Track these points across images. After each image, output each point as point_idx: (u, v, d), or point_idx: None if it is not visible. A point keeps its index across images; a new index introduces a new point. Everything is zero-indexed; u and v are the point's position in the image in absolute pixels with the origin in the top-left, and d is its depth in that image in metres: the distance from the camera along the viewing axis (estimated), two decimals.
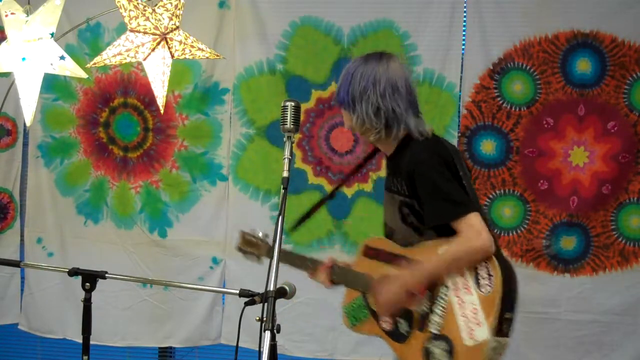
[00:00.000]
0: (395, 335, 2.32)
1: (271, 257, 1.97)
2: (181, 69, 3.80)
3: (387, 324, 2.34)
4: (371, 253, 2.43)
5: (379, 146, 2.46)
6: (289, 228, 2.73)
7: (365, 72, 2.32)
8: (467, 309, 2.16)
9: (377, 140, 2.38)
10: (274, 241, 1.99)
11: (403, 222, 2.35)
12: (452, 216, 2.18)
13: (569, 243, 3.59)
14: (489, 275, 2.15)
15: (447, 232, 2.21)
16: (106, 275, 2.54)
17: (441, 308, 2.21)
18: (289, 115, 2.14)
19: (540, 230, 3.60)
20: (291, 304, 3.50)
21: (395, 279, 2.27)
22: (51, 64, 3.38)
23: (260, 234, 2.73)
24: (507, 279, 2.16)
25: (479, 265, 2.17)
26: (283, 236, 1.98)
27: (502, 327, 2.15)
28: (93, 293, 2.49)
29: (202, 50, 3.44)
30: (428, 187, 2.22)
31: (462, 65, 3.66)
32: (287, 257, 2.56)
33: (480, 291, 2.15)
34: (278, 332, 1.96)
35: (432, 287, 2.24)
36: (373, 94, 2.29)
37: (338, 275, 2.47)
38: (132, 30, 3.37)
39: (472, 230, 2.15)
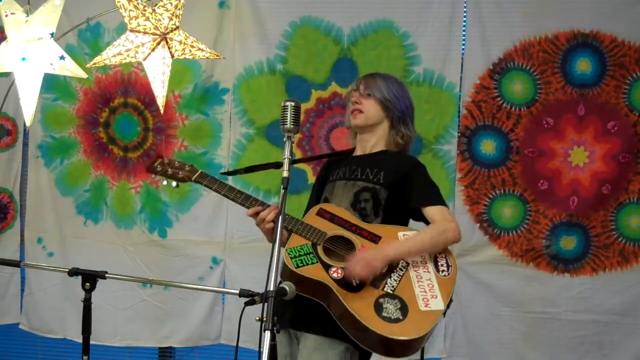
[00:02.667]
0: (344, 285, 2.37)
1: (271, 257, 1.97)
2: (181, 69, 3.80)
3: (337, 273, 2.39)
4: (327, 215, 2.52)
5: (366, 145, 2.68)
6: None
7: (408, 93, 2.72)
8: (424, 283, 2.41)
9: (382, 143, 2.66)
10: (274, 241, 1.99)
11: (352, 206, 2.54)
12: (436, 201, 2.54)
13: (569, 243, 3.59)
14: (448, 265, 2.46)
15: (391, 224, 2.52)
16: (106, 275, 2.53)
17: (398, 275, 2.41)
18: (289, 115, 2.16)
19: (540, 230, 3.60)
20: None
21: (378, 249, 2.41)
22: (51, 64, 3.38)
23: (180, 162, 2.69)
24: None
25: (439, 255, 2.48)
26: None
27: (446, 309, 2.39)
28: (93, 293, 2.49)
29: (202, 50, 3.44)
30: (425, 180, 2.60)
31: (462, 65, 3.66)
32: (231, 191, 2.56)
33: (439, 273, 2.44)
34: (278, 332, 1.95)
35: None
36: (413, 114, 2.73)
37: (288, 221, 2.48)
38: (132, 30, 3.37)
39: (448, 216, 2.53)
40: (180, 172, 2.63)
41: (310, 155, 3.78)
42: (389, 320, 2.32)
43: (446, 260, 2.47)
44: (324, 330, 2.40)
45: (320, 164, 3.75)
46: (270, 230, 2.49)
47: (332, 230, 2.46)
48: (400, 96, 2.65)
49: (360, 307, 2.33)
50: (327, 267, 2.39)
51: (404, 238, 2.46)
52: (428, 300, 2.35)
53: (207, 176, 2.61)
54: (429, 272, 2.43)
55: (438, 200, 2.55)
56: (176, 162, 2.66)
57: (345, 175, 2.61)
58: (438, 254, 2.47)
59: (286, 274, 2.42)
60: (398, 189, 2.54)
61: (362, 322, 2.31)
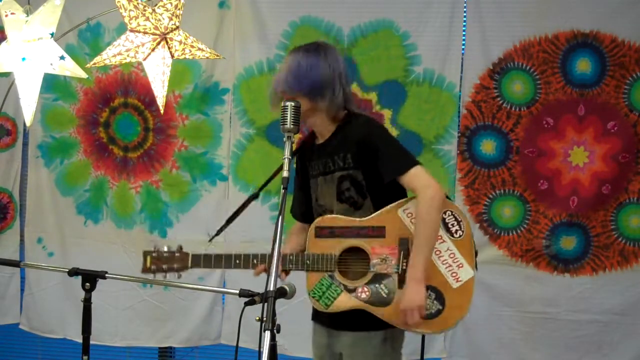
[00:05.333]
0: (378, 302, 2.38)
1: (271, 257, 1.97)
2: (181, 69, 3.80)
3: (365, 293, 2.40)
4: (325, 232, 2.47)
5: (320, 130, 2.56)
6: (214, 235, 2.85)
7: (328, 57, 2.49)
8: (446, 256, 2.39)
9: (328, 122, 2.52)
10: (274, 241, 1.99)
11: (339, 200, 2.48)
12: (405, 166, 2.39)
13: (569, 243, 3.59)
14: (458, 221, 2.41)
15: (384, 202, 2.43)
16: (106, 275, 2.54)
17: None
18: (288, 115, 2.18)
19: (540, 230, 3.60)
20: (291, 304, 3.49)
21: (410, 284, 2.35)
22: (51, 64, 3.38)
23: (166, 248, 2.61)
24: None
25: (444, 214, 2.40)
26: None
27: (475, 262, 2.40)
28: (93, 293, 2.49)
29: (202, 50, 3.44)
30: (386, 143, 2.44)
31: (462, 65, 3.66)
32: (229, 260, 2.51)
33: (453, 237, 2.40)
34: (278, 332, 1.95)
35: (404, 246, 2.39)
36: (338, 80, 2.47)
37: (295, 263, 2.47)
38: (132, 30, 3.37)
39: (424, 179, 2.38)
40: (175, 264, 2.57)
41: None
42: (432, 316, 2.36)
43: (453, 216, 2.41)
44: (359, 325, 2.42)
45: None
46: (284, 276, 2.51)
47: (338, 246, 2.44)
48: (305, 75, 2.44)
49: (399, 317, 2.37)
50: (352, 291, 2.41)
51: (406, 215, 2.41)
52: (457, 274, 2.37)
53: (200, 258, 2.56)
54: (444, 241, 2.40)
55: (407, 164, 2.40)
56: (164, 253, 2.59)
57: (321, 170, 2.55)
58: (444, 213, 2.41)
59: (320, 314, 2.50)
60: (368, 163, 2.43)
61: (412, 331, 2.40)
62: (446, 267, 2.38)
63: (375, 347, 2.42)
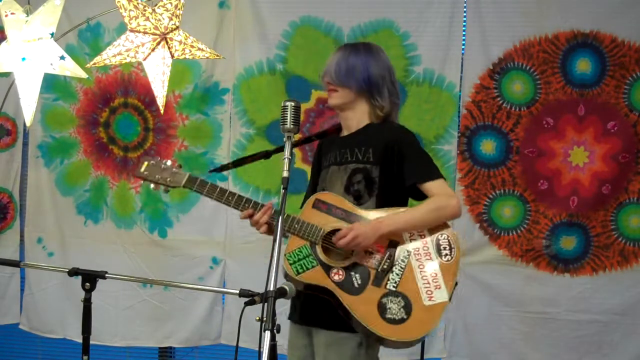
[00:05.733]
0: (347, 287, 2.37)
1: (271, 257, 1.97)
2: (181, 69, 3.80)
3: (338, 275, 2.37)
4: (323, 207, 2.46)
5: (351, 123, 2.57)
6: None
7: (381, 60, 2.56)
8: (428, 273, 2.37)
9: (365, 117, 2.55)
10: (274, 241, 1.99)
11: (345, 191, 2.48)
12: (433, 175, 2.44)
13: (569, 243, 3.59)
14: (451, 246, 2.40)
15: (388, 204, 2.44)
16: (106, 275, 2.54)
17: (400, 269, 2.38)
18: (288, 115, 2.17)
19: (540, 230, 3.60)
20: None
21: (370, 227, 2.36)
22: (51, 64, 3.38)
23: (169, 162, 2.53)
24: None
25: (440, 236, 2.41)
26: None
27: (453, 292, 2.38)
28: (93, 293, 2.49)
29: (202, 50, 3.45)
30: (416, 152, 2.49)
31: (462, 65, 3.66)
32: (222, 194, 2.46)
33: (441, 259, 2.39)
34: (278, 332, 1.95)
35: (393, 249, 2.39)
36: (389, 80, 2.56)
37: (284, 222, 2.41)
38: (132, 30, 3.37)
39: (448, 190, 2.47)
40: (169, 177, 2.50)
41: (310, 154, 3.78)
42: (394, 321, 2.33)
43: (448, 241, 2.41)
44: (335, 324, 2.39)
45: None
46: (266, 233, 2.46)
47: (330, 223, 2.42)
48: (361, 70, 2.50)
49: (365, 311, 2.34)
50: (327, 269, 2.38)
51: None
52: (432, 293, 2.34)
53: (196, 180, 2.48)
54: (431, 259, 2.38)
55: (435, 174, 2.45)
56: (162, 164, 2.51)
57: (337, 160, 2.55)
58: (440, 235, 2.40)
59: (289, 279, 2.42)
60: (389, 164, 2.45)
61: (368, 328, 2.34)
62: (424, 283, 2.36)
63: (350, 350, 2.40)
